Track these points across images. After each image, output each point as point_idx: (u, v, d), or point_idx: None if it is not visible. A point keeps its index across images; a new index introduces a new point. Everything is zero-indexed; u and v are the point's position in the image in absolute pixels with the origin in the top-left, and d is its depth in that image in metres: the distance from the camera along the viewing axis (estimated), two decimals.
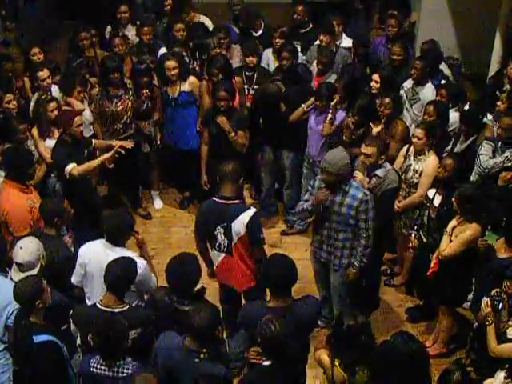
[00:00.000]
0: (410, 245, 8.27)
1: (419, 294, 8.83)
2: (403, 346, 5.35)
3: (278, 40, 10.73)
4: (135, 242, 7.11)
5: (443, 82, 9.94)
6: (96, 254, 6.73)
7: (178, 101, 9.90)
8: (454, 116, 9.07)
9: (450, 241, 7.31)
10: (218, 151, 9.36)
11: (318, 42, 10.76)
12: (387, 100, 8.95)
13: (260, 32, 11.56)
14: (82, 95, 9.58)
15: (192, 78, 9.99)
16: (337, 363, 5.64)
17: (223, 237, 7.21)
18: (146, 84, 9.92)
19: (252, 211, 7.10)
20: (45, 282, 6.10)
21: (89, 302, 6.78)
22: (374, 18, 12.91)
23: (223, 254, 7.30)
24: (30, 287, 5.90)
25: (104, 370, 5.60)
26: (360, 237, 7.48)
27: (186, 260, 6.39)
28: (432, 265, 7.62)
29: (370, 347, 5.61)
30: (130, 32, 11.71)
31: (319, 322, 7.99)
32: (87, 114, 9.70)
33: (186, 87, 9.89)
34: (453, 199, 7.25)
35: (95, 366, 5.63)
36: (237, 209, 7.11)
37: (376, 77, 9.50)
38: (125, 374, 5.56)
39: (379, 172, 7.93)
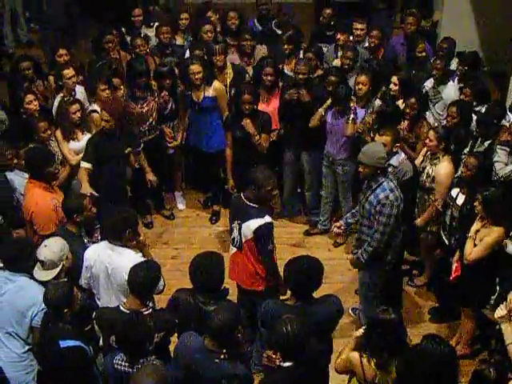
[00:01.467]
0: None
1: (439, 295, 8.79)
2: (435, 349, 5.35)
3: (286, 46, 10.60)
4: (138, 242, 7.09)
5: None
6: (100, 256, 6.77)
7: (201, 106, 9.82)
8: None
9: (474, 245, 7.25)
10: (241, 154, 9.37)
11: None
12: (412, 100, 8.90)
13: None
14: (107, 92, 9.52)
15: (217, 83, 9.88)
16: (365, 359, 5.68)
17: (237, 232, 7.30)
18: (168, 86, 9.91)
19: (262, 220, 7.11)
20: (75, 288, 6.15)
21: (99, 303, 6.83)
22: (395, 18, 12.90)
23: (235, 249, 7.40)
24: (61, 293, 5.94)
25: (126, 367, 5.63)
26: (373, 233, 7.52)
27: (208, 258, 6.44)
28: (454, 269, 7.60)
29: (402, 344, 5.64)
30: (148, 33, 11.77)
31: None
32: None
33: (210, 92, 9.79)
34: (476, 203, 7.21)
35: (119, 362, 5.66)
36: (252, 212, 7.17)
37: (395, 79, 9.41)
38: None
39: (393, 161, 7.99)
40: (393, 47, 11.12)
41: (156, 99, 9.77)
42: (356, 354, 5.76)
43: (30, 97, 9.20)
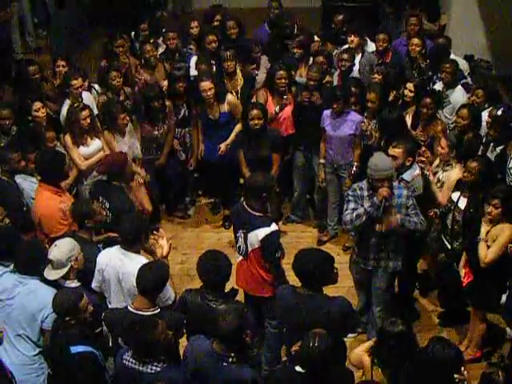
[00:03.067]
0: None
1: (443, 300, 8.73)
2: (441, 353, 5.34)
3: (296, 50, 10.62)
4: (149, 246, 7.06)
5: (464, 80, 9.92)
6: (111, 260, 6.79)
7: (219, 122, 9.80)
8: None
9: (488, 247, 7.23)
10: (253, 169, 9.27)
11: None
12: (428, 100, 8.92)
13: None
14: (127, 119, 9.41)
15: (230, 97, 9.88)
16: (376, 366, 5.67)
17: (243, 241, 7.30)
18: (182, 90, 9.94)
19: (270, 229, 7.12)
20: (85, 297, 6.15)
21: (110, 307, 6.84)
22: (403, 22, 12.88)
23: (241, 257, 7.40)
24: (67, 302, 5.96)
25: (134, 364, 5.67)
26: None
27: (216, 255, 6.54)
28: (463, 275, 7.59)
29: (411, 354, 5.62)
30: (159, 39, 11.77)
31: (358, 329, 8.01)
32: (123, 146, 9.46)
33: (225, 108, 9.77)
34: (489, 207, 7.17)
35: (127, 359, 5.70)
36: (257, 222, 7.18)
37: (410, 86, 9.38)
38: (153, 371, 5.61)
39: (406, 176, 7.91)
40: (396, 49, 11.10)
41: (171, 121, 9.84)
42: (368, 358, 5.77)
43: (37, 104, 9.24)
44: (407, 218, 7.39)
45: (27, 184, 8.25)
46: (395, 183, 7.51)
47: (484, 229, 7.27)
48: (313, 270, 6.18)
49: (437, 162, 8.48)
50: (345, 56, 10.24)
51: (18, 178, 8.25)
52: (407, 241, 7.61)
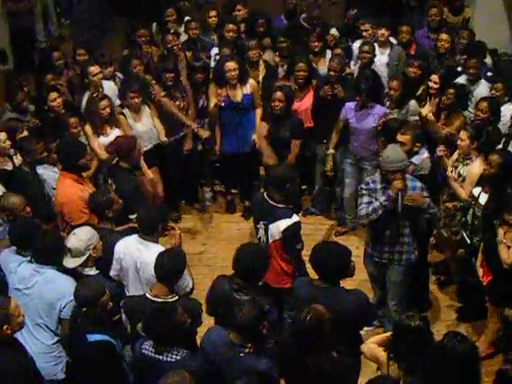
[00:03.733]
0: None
1: (464, 295, 8.72)
2: (456, 347, 5.31)
3: (316, 44, 10.55)
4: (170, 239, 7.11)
5: (489, 74, 9.87)
6: (129, 249, 6.84)
7: (242, 105, 9.82)
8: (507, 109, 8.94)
9: (508, 247, 7.15)
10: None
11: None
12: (451, 90, 8.93)
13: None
14: (136, 100, 9.43)
15: (252, 81, 9.92)
16: (392, 361, 5.66)
17: (263, 233, 7.34)
18: (200, 81, 9.97)
19: (291, 220, 7.16)
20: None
21: (128, 295, 6.89)
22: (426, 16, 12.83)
23: None
24: (91, 294, 5.95)
25: (153, 353, 5.69)
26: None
27: (256, 250, 6.53)
28: (481, 273, 7.55)
29: (427, 349, 5.60)
30: (181, 28, 11.77)
31: (374, 322, 8.02)
32: (142, 127, 9.60)
33: (248, 90, 9.82)
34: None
35: (146, 348, 5.74)
36: (279, 213, 7.21)
37: (435, 78, 9.33)
38: (173, 359, 5.63)
39: (415, 159, 7.99)
40: (418, 40, 11.10)
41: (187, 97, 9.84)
42: (384, 354, 5.74)
43: (53, 94, 9.23)
44: (430, 204, 7.46)
45: (49, 174, 8.28)
46: (409, 175, 7.51)
47: (501, 231, 7.21)
48: (330, 263, 6.19)
49: (455, 156, 8.45)
50: (366, 48, 10.22)
51: (40, 169, 8.28)
52: (419, 232, 7.63)
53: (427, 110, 9.14)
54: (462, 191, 8.10)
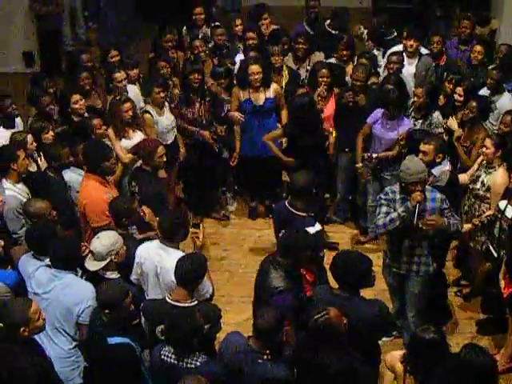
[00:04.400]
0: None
1: (487, 307, 8.63)
2: (474, 360, 5.29)
3: (344, 52, 10.59)
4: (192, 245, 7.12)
5: None
6: (150, 254, 6.86)
7: (264, 108, 9.86)
8: None
9: None
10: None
11: (396, 48, 10.74)
12: (473, 104, 8.86)
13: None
14: (161, 95, 9.55)
15: (275, 85, 9.94)
16: (408, 373, 5.64)
17: None
18: (224, 87, 10.01)
19: (314, 229, 7.16)
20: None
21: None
22: (453, 26, 12.81)
23: None
24: (115, 296, 5.98)
25: (173, 359, 5.71)
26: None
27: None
28: (503, 285, 7.49)
29: (443, 362, 5.58)
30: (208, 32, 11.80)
31: (393, 333, 8.00)
32: (166, 121, 9.70)
33: (270, 94, 9.86)
34: None
35: (166, 354, 5.75)
36: (300, 222, 7.21)
37: (460, 90, 9.32)
38: (193, 365, 5.64)
39: (435, 170, 7.96)
40: (447, 52, 11.09)
41: (208, 102, 9.87)
42: (400, 366, 5.72)
43: (75, 97, 9.26)
44: (449, 221, 7.39)
45: (75, 178, 8.28)
46: (428, 186, 7.49)
47: None
48: (350, 271, 6.18)
49: (475, 166, 8.42)
50: (394, 58, 10.22)
51: (67, 172, 8.31)
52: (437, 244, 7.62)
53: (454, 124, 9.11)
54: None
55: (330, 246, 8.36)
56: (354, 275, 6.20)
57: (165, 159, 8.31)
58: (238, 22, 11.81)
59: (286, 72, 10.47)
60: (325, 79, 9.72)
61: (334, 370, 5.50)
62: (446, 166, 8.09)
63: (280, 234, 7.31)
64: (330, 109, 9.84)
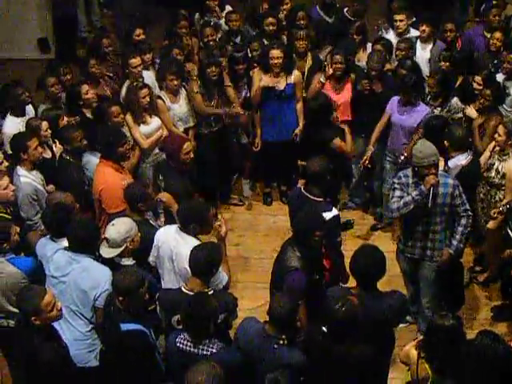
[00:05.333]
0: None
1: (505, 292, 8.63)
2: (488, 346, 5.28)
3: (355, 37, 10.53)
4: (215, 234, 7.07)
5: None
6: (168, 238, 6.88)
7: (284, 93, 9.82)
8: None
9: None
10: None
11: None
12: (487, 92, 8.81)
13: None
14: (175, 82, 9.53)
15: (297, 72, 9.89)
16: (422, 360, 5.63)
17: None
18: (243, 72, 9.99)
19: (331, 214, 7.17)
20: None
21: (163, 283, 6.95)
22: (468, 11, 12.73)
23: None
24: (131, 284, 5.96)
25: (189, 347, 5.73)
26: (460, 218, 7.45)
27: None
28: None
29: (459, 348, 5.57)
30: (222, 20, 11.75)
31: (408, 318, 8.00)
32: (179, 108, 9.68)
33: (291, 80, 9.81)
34: None
35: (182, 341, 5.77)
36: (317, 207, 7.18)
37: (479, 79, 9.30)
38: (209, 353, 5.67)
39: (451, 162, 7.95)
40: (469, 39, 10.98)
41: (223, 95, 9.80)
42: (415, 353, 5.73)
43: (85, 87, 9.24)
44: (455, 243, 7.48)
45: (93, 161, 8.30)
46: (441, 171, 7.48)
47: None
48: (370, 271, 6.17)
49: (487, 154, 8.39)
50: (402, 45, 10.18)
51: (87, 155, 8.36)
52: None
53: (472, 113, 9.06)
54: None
55: (346, 226, 8.29)
56: (374, 274, 6.19)
57: (192, 155, 8.29)
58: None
59: (310, 57, 10.40)
60: (338, 65, 9.67)
61: (356, 358, 5.55)
62: (463, 161, 7.95)
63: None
64: (345, 95, 9.82)
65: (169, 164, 8.29)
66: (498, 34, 10.27)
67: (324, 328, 5.70)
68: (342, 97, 9.80)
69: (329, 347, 5.67)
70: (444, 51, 9.98)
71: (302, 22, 11.00)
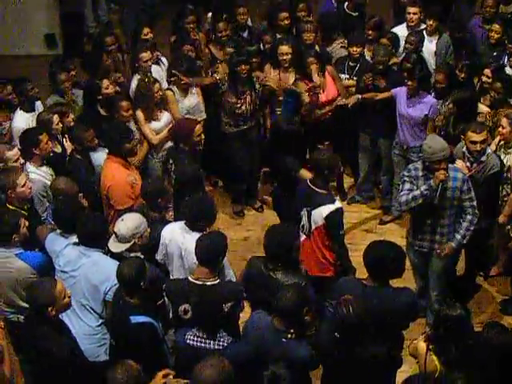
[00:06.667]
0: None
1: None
2: (495, 338, 5.30)
3: (370, 32, 10.43)
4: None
5: None
6: (175, 236, 6.90)
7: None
8: None
9: None
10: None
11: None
12: (498, 85, 8.78)
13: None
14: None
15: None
16: (431, 352, 5.64)
17: (306, 220, 7.37)
18: (256, 65, 9.95)
19: (334, 206, 7.19)
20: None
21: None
22: (476, 3, 12.69)
23: (304, 236, 7.43)
24: (134, 269, 6.00)
25: (200, 342, 5.74)
26: (466, 214, 7.44)
27: (282, 229, 6.62)
28: None
29: (468, 341, 5.58)
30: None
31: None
32: (188, 103, 9.65)
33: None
34: None
35: (191, 338, 5.77)
36: (321, 199, 7.24)
37: (488, 72, 9.23)
38: (220, 347, 5.68)
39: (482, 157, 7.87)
40: (470, 30, 11.01)
41: (254, 92, 9.75)
42: (424, 345, 5.74)
43: (106, 82, 9.29)
44: (458, 237, 7.48)
45: (103, 157, 8.29)
46: (451, 165, 7.47)
47: None
48: (386, 265, 6.15)
49: (493, 147, 8.35)
50: (412, 38, 10.17)
51: (94, 155, 8.37)
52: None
53: (483, 108, 9.00)
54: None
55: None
56: (388, 267, 6.18)
57: (203, 137, 8.38)
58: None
59: (318, 49, 10.38)
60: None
61: (368, 355, 5.58)
62: (489, 149, 7.89)
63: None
64: (330, 92, 9.79)
65: (179, 148, 8.32)
66: (496, 27, 10.28)
67: (336, 334, 5.68)
68: (328, 94, 9.76)
69: (344, 352, 5.66)
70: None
71: (302, 13, 11.01)
